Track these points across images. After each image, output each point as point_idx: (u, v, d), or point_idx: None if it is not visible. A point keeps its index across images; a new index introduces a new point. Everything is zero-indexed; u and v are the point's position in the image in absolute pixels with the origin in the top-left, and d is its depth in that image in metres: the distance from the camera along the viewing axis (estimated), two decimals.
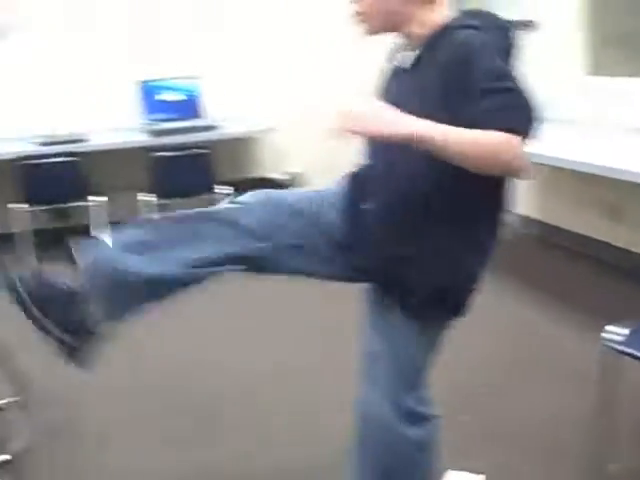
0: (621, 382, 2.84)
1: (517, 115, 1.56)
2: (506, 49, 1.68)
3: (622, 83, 4.49)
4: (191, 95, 5.87)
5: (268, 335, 3.90)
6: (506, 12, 1.81)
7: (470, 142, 1.53)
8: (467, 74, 1.57)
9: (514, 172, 1.63)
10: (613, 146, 3.96)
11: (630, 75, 4.55)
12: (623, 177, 3.46)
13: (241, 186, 5.74)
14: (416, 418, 1.96)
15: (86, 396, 3.26)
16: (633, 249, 4.44)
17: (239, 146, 6.16)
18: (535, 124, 1.59)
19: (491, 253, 1.82)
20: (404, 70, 1.74)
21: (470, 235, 1.77)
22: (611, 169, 3.49)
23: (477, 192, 1.69)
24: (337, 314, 3.60)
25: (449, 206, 1.71)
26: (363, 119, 1.57)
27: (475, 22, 1.66)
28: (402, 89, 1.75)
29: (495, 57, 1.60)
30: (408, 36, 1.75)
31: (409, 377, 1.95)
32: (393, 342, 1.92)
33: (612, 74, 4.55)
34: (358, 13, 1.73)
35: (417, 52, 1.71)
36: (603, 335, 2.35)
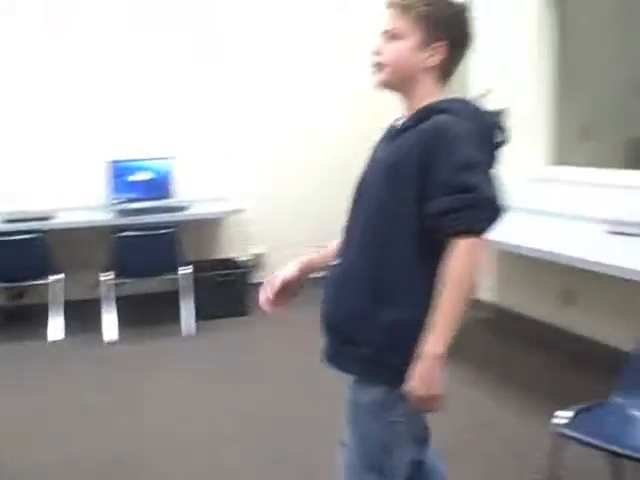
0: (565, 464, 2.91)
1: (472, 215, 1.72)
2: (485, 137, 1.84)
3: (584, 173, 4.68)
4: (161, 175, 5.95)
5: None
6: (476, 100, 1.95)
7: (454, 299, 1.73)
8: (435, 160, 1.75)
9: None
10: (569, 234, 4.10)
11: (591, 166, 4.75)
12: (576, 264, 3.57)
13: (206, 265, 5.87)
14: None
15: None
16: (585, 334, 4.53)
17: (205, 227, 6.22)
18: (493, 217, 1.74)
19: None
20: (395, 132, 1.91)
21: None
22: (565, 256, 3.60)
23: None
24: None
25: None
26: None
27: (458, 108, 1.82)
28: (389, 147, 1.91)
29: (464, 146, 1.75)
30: (407, 103, 1.92)
31: (375, 461, 1.92)
32: (357, 422, 1.95)
33: (575, 164, 4.74)
34: (378, 64, 1.90)
35: (406, 121, 1.88)
36: (553, 420, 2.41)
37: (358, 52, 6.52)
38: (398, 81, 1.91)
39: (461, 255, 1.71)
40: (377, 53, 1.91)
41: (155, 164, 5.95)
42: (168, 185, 5.96)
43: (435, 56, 1.87)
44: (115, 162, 5.84)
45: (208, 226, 6.26)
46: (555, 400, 3.22)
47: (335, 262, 1.99)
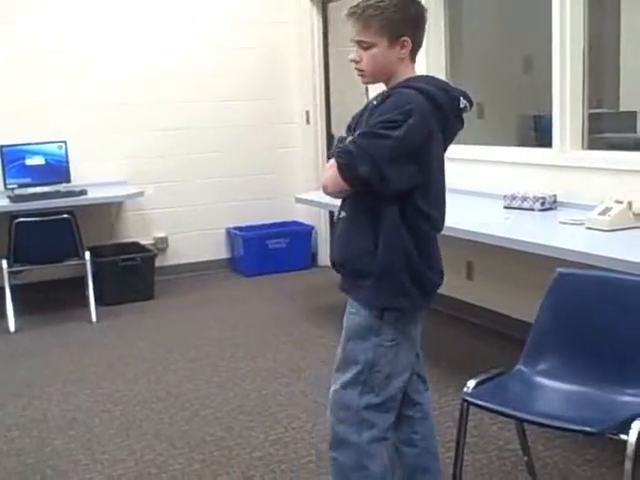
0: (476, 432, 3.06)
1: (350, 155, 2.13)
2: (450, 104, 2.19)
3: (480, 151, 4.84)
4: (55, 159, 5.80)
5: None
6: None
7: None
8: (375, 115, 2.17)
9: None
10: (469, 209, 4.25)
11: (480, 144, 4.91)
12: (476, 238, 3.70)
13: (109, 251, 5.78)
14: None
15: None
16: (488, 306, 4.71)
17: (105, 211, 6.11)
18: (353, 165, 2.12)
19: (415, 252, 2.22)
20: (372, 107, 2.25)
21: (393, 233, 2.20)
22: (466, 231, 3.73)
23: (396, 209, 2.18)
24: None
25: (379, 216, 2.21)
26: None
27: (421, 84, 2.17)
28: (364, 118, 2.26)
29: (399, 113, 2.10)
30: (388, 85, 2.27)
31: (360, 376, 2.25)
32: (348, 344, 2.29)
33: (471, 143, 4.89)
34: (359, 69, 2.26)
35: (381, 96, 2.23)
36: (464, 389, 2.52)
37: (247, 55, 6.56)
38: (379, 77, 2.27)
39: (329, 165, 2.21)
40: (356, 61, 2.24)
41: (49, 148, 5.79)
42: (64, 169, 5.82)
43: (405, 48, 2.21)
44: (6, 147, 5.65)
45: (108, 210, 6.14)
46: (464, 371, 3.36)
47: (341, 215, 2.30)
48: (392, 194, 2.15)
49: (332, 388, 2.35)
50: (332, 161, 2.19)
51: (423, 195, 2.20)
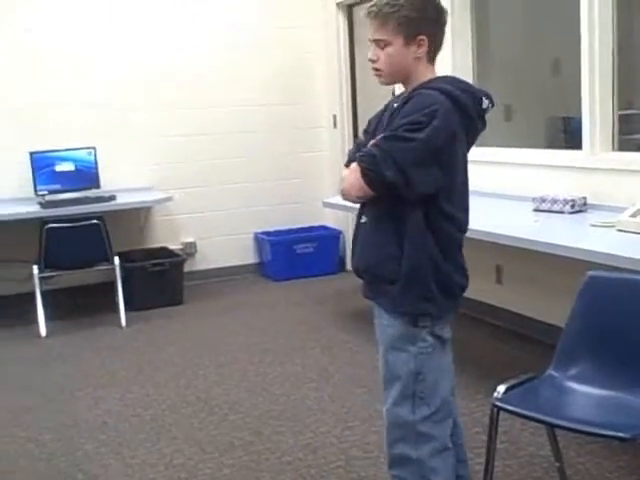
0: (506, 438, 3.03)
1: (374, 159, 2.10)
2: (473, 104, 2.17)
3: (509, 154, 4.81)
4: (85, 165, 5.86)
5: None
6: None
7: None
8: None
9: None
10: (498, 212, 4.23)
11: (509, 146, 4.88)
12: (506, 242, 3.68)
13: (138, 256, 5.82)
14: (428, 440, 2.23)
15: None
16: (518, 310, 4.67)
17: (134, 216, 6.15)
18: (377, 169, 2.10)
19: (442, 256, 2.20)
20: (394, 109, 2.24)
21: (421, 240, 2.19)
22: (495, 234, 3.70)
23: (420, 213, 2.16)
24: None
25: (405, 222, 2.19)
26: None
27: (443, 85, 2.14)
28: (385, 121, 2.27)
29: (423, 114, 2.08)
30: (406, 87, 2.26)
31: (408, 389, 2.22)
32: (389, 359, 2.26)
33: (499, 145, 4.87)
34: (376, 69, 2.24)
35: (403, 98, 2.21)
36: (494, 394, 2.50)
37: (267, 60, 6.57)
38: (396, 77, 2.25)
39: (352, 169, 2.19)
40: (373, 61, 2.23)
41: (78, 154, 5.84)
42: (93, 175, 5.87)
43: (421, 47, 2.18)
44: (36, 153, 5.71)
45: (137, 216, 6.19)
46: (493, 375, 3.33)
47: (362, 220, 2.29)
48: (417, 198, 2.13)
49: (384, 408, 2.30)
50: (354, 165, 2.16)
51: (447, 197, 2.17)
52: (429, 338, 2.22)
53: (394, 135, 2.11)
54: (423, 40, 2.17)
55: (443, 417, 2.26)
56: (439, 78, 2.22)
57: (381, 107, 2.38)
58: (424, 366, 2.22)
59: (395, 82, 2.30)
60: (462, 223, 2.26)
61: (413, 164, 2.08)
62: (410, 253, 2.17)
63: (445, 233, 2.19)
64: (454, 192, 2.20)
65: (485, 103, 2.21)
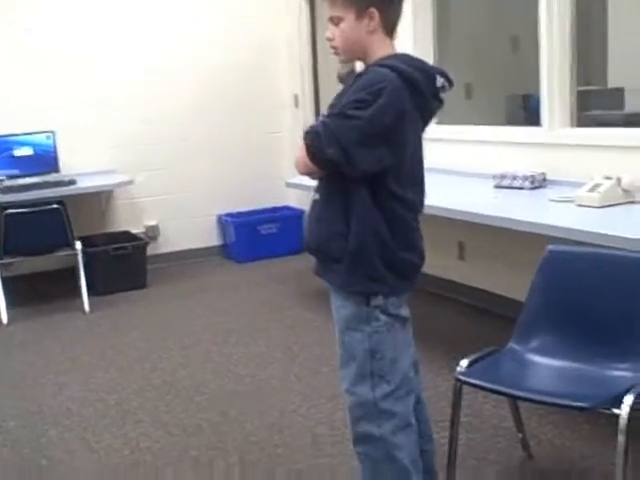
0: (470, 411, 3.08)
1: (317, 135, 2.10)
2: (427, 82, 2.16)
3: (469, 131, 4.84)
4: (44, 150, 5.77)
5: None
6: None
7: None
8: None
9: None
10: (459, 190, 4.27)
11: (469, 124, 4.90)
12: (468, 218, 3.71)
13: (100, 240, 5.77)
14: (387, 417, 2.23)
15: None
16: (480, 286, 4.72)
17: (95, 200, 6.09)
18: (320, 147, 2.09)
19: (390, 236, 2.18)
20: (347, 86, 2.24)
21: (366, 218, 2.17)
22: (457, 211, 3.73)
23: (367, 192, 2.15)
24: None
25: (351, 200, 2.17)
26: None
27: (395, 63, 2.12)
28: (341, 95, 2.24)
29: (369, 92, 2.06)
30: (365, 63, 2.24)
31: (365, 369, 2.22)
32: (344, 339, 2.26)
33: (460, 122, 4.88)
34: (332, 47, 2.25)
35: (356, 75, 2.21)
36: (457, 369, 2.53)
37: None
38: (354, 53, 2.24)
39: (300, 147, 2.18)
40: (330, 39, 2.23)
41: (36, 138, 5.76)
42: (52, 159, 5.79)
43: (373, 20, 2.16)
44: None
45: (98, 200, 6.12)
46: (457, 351, 3.36)
47: (315, 197, 2.28)
48: (361, 176, 2.11)
49: (343, 387, 2.30)
50: (301, 142, 2.16)
51: (396, 177, 2.15)
52: (382, 317, 2.21)
53: (339, 113, 2.10)
54: (374, 13, 2.14)
55: (404, 394, 2.27)
56: (393, 56, 2.18)
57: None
58: (380, 345, 2.21)
59: (353, 58, 2.28)
60: (413, 203, 2.23)
61: (356, 143, 2.06)
62: (356, 231, 2.15)
63: (394, 212, 2.17)
64: (403, 172, 2.17)
65: (440, 81, 2.18)
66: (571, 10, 4.14)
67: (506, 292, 4.40)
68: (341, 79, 2.34)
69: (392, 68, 2.10)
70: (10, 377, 4.17)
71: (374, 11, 2.14)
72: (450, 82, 2.22)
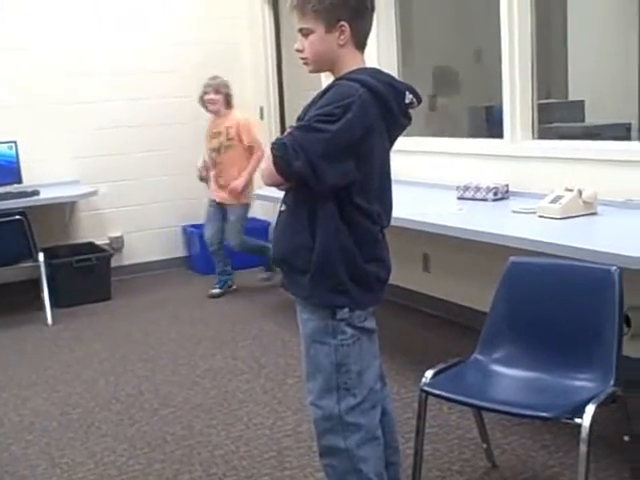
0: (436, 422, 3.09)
1: (284, 147, 2.09)
2: (395, 98, 2.16)
3: (433, 143, 4.89)
4: (6, 160, 5.71)
5: None
6: None
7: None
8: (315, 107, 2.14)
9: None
10: (423, 201, 4.29)
11: (433, 135, 4.95)
12: (431, 230, 3.74)
13: (63, 252, 5.71)
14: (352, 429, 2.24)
15: None
16: (444, 297, 4.76)
17: (58, 211, 6.03)
18: (286, 159, 2.09)
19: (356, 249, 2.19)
20: (316, 98, 2.22)
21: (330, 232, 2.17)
22: (421, 222, 3.76)
23: (332, 205, 2.15)
24: None
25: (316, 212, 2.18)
26: None
27: (364, 77, 2.13)
28: (306, 109, 2.24)
29: (337, 106, 2.07)
30: (334, 74, 2.24)
31: (332, 383, 2.22)
32: (309, 352, 2.26)
33: (423, 134, 4.93)
34: (302, 58, 2.25)
35: (324, 88, 2.19)
36: (422, 380, 2.55)
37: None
38: (323, 65, 2.25)
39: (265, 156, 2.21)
40: (299, 50, 2.24)
41: None
42: (14, 170, 5.73)
43: (343, 33, 2.16)
44: None
45: (61, 211, 6.06)
46: (422, 362, 3.40)
47: (282, 208, 2.28)
48: (328, 190, 2.12)
49: (308, 400, 2.30)
50: (267, 152, 2.16)
51: (362, 191, 2.15)
52: (348, 330, 2.21)
53: (306, 125, 2.10)
54: (344, 26, 2.14)
55: (370, 406, 2.27)
56: (362, 69, 2.19)
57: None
58: (346, 358, 2.21)
59: (322, 70, 2.28)
60: (380, 217, 2.23)
61: (322, 156, 2.06)
62: (321, 243, 2.15)
63: (360, 225, 2.17)
64: (369, 186, 2.18)
65: (409, 98, 2.19)
66: (532, 23, 4.21)
67: (471, 303, 4.44)
68: None
69: (362, 83, 2.10)
70: None
71: (344, 24, 2.14)
72: (418, 98, 2.23)
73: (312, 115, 2.11)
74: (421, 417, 2.59)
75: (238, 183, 5.44)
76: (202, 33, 6.47)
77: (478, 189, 4.15)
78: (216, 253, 5.71)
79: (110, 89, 6.21)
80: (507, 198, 4.10)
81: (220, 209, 5.60)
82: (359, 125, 2.08)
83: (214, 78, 5.48)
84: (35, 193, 5.55)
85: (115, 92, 6.22)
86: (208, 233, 5.65)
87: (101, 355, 4.57)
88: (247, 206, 5.66)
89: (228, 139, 5.44)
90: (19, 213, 5.16)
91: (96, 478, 3.08)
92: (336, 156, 2.08)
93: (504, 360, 2.69)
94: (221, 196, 5.57)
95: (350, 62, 2.19)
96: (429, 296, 4.89)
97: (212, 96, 5.42)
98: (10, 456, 3.33)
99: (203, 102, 5.49)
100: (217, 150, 5.49)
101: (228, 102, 5.47)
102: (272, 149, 2.13)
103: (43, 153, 5.97)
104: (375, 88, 2.11)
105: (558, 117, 5.07)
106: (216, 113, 5.49)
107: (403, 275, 4.65)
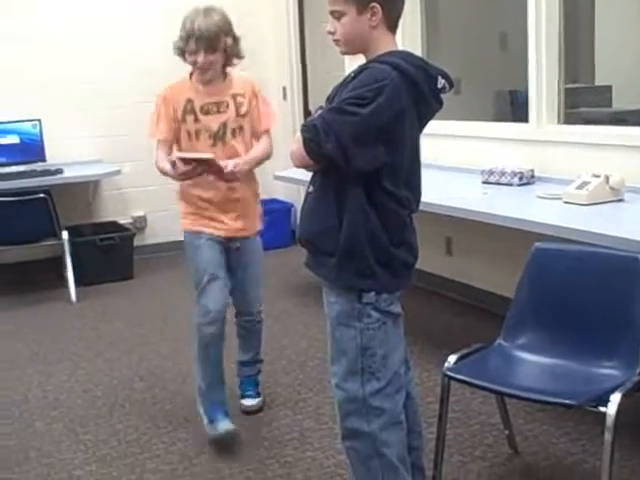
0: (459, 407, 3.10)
1: (315, 129, 2.09)
2: (427, 83, 2.14)
3: (458, 126, 4.84)
4: (30, 138, 5.74)
5: None
6: None
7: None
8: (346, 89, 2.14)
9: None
10: (448, 185, 4.27)
11: (460, 119, 4.92)
12: (456, 214, 3.73)
13: (87, 230, 5.75)
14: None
15: None
16: (468, 282, 4.75)
17: (82, 190, 6.06)
18: (317, 141, 2.08)
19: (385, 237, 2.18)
20: (347, 80, 2.22)
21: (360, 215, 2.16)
22: (445, 206, 3.75)
23: (361, 189, 2.14)
24: None
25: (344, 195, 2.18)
26: None
27: (396, 60, 2.11)
28: (340, 91, 2.22)
29: (369, 89, 2.06)
30: (366, 57, 2.23)
31: (356, 365, 2.22)
32: (334, 335, 2.26)
33: (448, 118, 4.89)
34: (334, 40, 2.23)
35: (356, 70, 2.18)
36: (445, 364, 2.55)
37: None
38: (355, 47, 2.23)
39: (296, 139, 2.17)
40: (331, 32, 2.22)
41: (22, 127, 5.74)
42: (39, 148, 5.77)
43: (375, 15, 2.14)
44: None
45: (85, 189, 6.10)
46: (444, 346, 3.40)
47: (309, 190, 2.27)
48: (357, 173, 2.12)
49: (332, 382, 2.30)
50: (297, 134, 2.16)
51: (391, 176, 2.15)
52: (374, 314, 2.21)
53: (338, 108, 2.09)
54: (376, 8, 2.13)
55: (394, 390, 2.27)
56: (394, 52, 2.18)
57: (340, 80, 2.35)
58: (371, 341, 2.21)
59: (355, 52, 2.26)
60: (409, 202, 2.23)
61: (353, 139, 2.06)
62: (348, 226, 2.15)
63: (388, 210, 2.17)
64: (399, 171, 2.17)
65: (441, 82, 2.18)
66: (560, 6, 4.16)
67: (494, 288, 4.43)
68: None
69: (394, 66, 2.09)
70: None
71: (376, 6, 2.13)
72: (450, 83, 2.21)
73: (344, 98, 2.10)
74: (444, 402, 2.59)
75: (240, 162, 3.13)
76: (224, 9, 6.44)
77: (503, 173, 4.12)
78: (220, 338, 3.28)
79: (134, 68, 6.21)
80: (532, 183, 4.07)
81: (224, 252, 3.33)
82: (390, 109, 2.07)
83: (205, 13, 3.22)
84: (59, 171, 5.58)
85: (137, 70, 6.22)
86: (214, 303, 3.20)
87: (124, 333, 4.61)
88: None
89: (238, 115, 3.23)
90: (43, 191, 5.20)
91: (119, 455, 3.12)
92: (367, 140, 2.07)
93: (528, 346, 2.68)
94: (234, 227, 3.30)
95: (383, 44, 2.18)
96: (452, 280, 4.89)
97: (210, 57, 3.16)
98: (34, 432, 3.37)
99: (185, 58, 3.28)
100: (217, 137, 3.20)
101: (233, 56, 3.30)
102: (302, 131, 2.12)
103: (67, 131, 6.00)
104: (407, 71, 2.10)
105: (584, 102, 5.02)
106: (210, 81, 3.25)
107: (425, 258, 4.64)
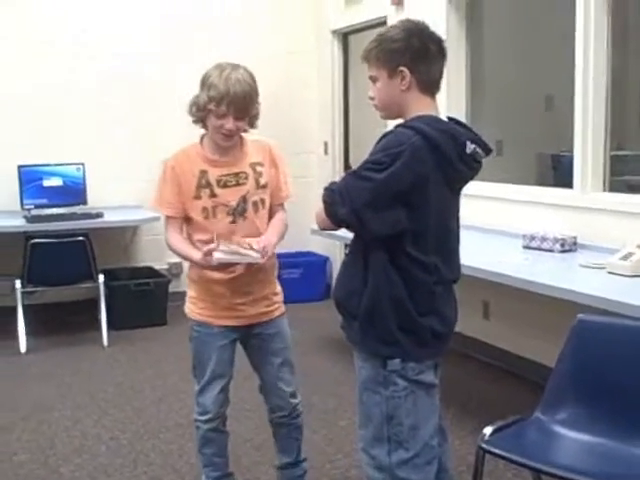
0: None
1: (333, 194, 2.12)
2: (438, 148, 2.09)
3: (500, 189, 4.80)
4: (73, 181, 5.82)
5: None
6: None
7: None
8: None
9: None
10: (487, 248, 4.22)
11: (500, 181, 4.88)
12: (494, 279, 3.67)
13: (122, 274, 5.77)
14: None
15: None
16: (506, 347, 4.65)
17: (120, 234, 6.11)
18: (334, 205, 2.11)
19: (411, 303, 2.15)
20: (378, 141, 2.21)
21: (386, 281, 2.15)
22: (484, 271, 3.69)
23: (384, 253, 2.14)
24: None
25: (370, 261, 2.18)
26: None
27: (420, 125, 2.10)
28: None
29: (387, 154, 2.06)
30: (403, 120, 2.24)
31: (382, 433, 2.17)
32: (362, 398, 2.23)
33: (489, 180, 4.86)
34: (374, 105, 2.27)
35: (384, 134, 2.18)
36: (480, 436, 2.48)
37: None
38: (392, 112, 2.27)
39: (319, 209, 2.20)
40: (372, 98, 2.27)
41: (66, 170, 5.83)
42: (81, 191, 5.84)
43: (405, 79, 2.17)
44: (24, 167, 5.67)
45: (123, 234, 6.14)
46: (478, 413, 3.31)
47: (346, 251, 2.35)
48: (375, 238, 2.11)
49: (359, 445, 2.26)
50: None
51: (415, 241, 2.11)
52: (400, 382, 2.15)
53: (355, 173, 2.12)
54: (404, 72, 2.15)
55: (424, 462, 2.20)
56: (421, 117, 2.15)
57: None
58: (397, 410, 2.16)
59: (392, 116, 2.29)
60: (437, 269, 2.16)
61: (367, 205, 2.06)
62: (370, 290, 2.15)
63: (413, 276, 2.13)
64: (424, 236, 2.13)
65: (470, 148, 2.14)
66: (608, 71, 4.12)
67: (532, 355, 4.33)
68: None
69: (416, 130, 2.09)
70: (24, 407, 4.14)
71: (404, 70, 2.16)
72: (486, 149, 2.19)
73: (363, 162, 2.12)
74: (477, 475, 2.51)
75: (270, 245, 2.89)
76: (270, 66, 6.50)
77: (544, 239, 4.06)
78: (222, 431, 3.02)
79: (174, 115, 6.26)
80: (575, 250, 4.00)
81: (240, 342, 3.10)
82: (409, 173, 2.05)
83: (236, 73, 2.90)
84: (99, 215, 5.64)
85: (180, 118, 6.28)
86: (213, 404, 3.00)
87: (154, 382, 4.58)
88: None
89: (259, 187, 2.90)
90: (82, 234, 5.24)
91: None
92: (383, 205, 2.07)
93: (568, 422, 2.59)
94: (254, 313, 2.99)
95: (416, 107, 2.19)
96: (488, 345, 4.79)
97: (238, 123, 2.84)
98: (59, 478, 3.34)
99: (201, 122, 3.05)
100: (237, 213, 2.83)
101: (254, 122, 2.97)
102: (323, 195, 2.16)
103: (109, 176, 6.06)
104: (430, 135, 2.08)
105: (629, 169, 4.95)
106: (228, 149, 2.91)
107: (463, 321, 4.57)
